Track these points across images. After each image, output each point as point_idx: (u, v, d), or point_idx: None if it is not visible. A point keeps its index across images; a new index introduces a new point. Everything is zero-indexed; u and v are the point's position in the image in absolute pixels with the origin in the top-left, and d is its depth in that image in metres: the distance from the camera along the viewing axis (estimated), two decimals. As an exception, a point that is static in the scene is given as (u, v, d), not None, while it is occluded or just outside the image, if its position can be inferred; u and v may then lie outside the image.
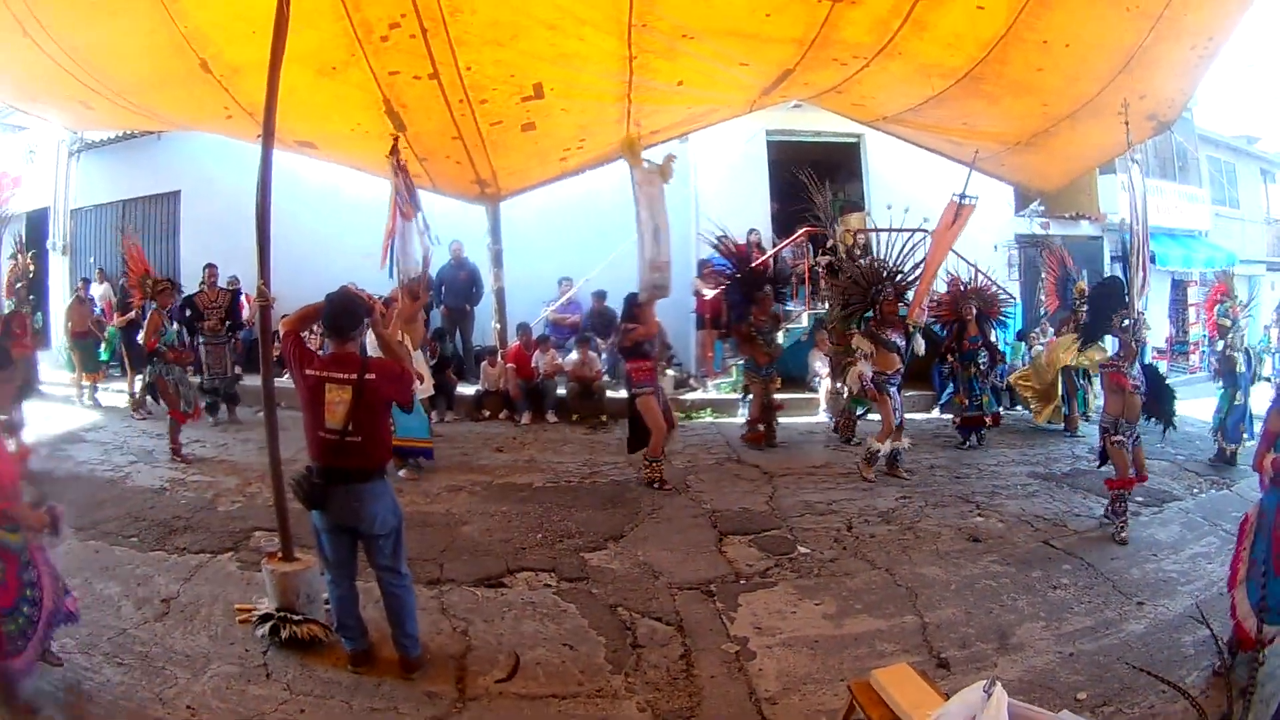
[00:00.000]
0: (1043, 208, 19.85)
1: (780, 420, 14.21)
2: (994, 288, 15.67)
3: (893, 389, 11.96)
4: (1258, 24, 48.15)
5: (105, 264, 18.97)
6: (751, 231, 17.35)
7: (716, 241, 14.17)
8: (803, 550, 8.78)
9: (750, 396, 13.96)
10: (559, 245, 17.61)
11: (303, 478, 5.62)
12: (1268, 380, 19.21)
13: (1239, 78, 78.41)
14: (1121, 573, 8.41)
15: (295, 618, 6.10)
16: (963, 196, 12.37)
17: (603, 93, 11.27)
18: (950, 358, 14.34)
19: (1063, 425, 15.39)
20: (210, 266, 14.77)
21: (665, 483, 11.03)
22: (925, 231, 13.77)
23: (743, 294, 13.61)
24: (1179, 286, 25.42)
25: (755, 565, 8.33)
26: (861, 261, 13.94)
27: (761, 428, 13.62)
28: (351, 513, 5.60)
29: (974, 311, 14.09)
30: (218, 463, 11.03)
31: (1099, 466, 10.69)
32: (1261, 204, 34.06)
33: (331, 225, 16.14)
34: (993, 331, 15.16)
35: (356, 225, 15.26)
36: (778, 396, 13.99)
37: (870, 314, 12.54)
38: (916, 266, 12.93)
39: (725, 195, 17.12)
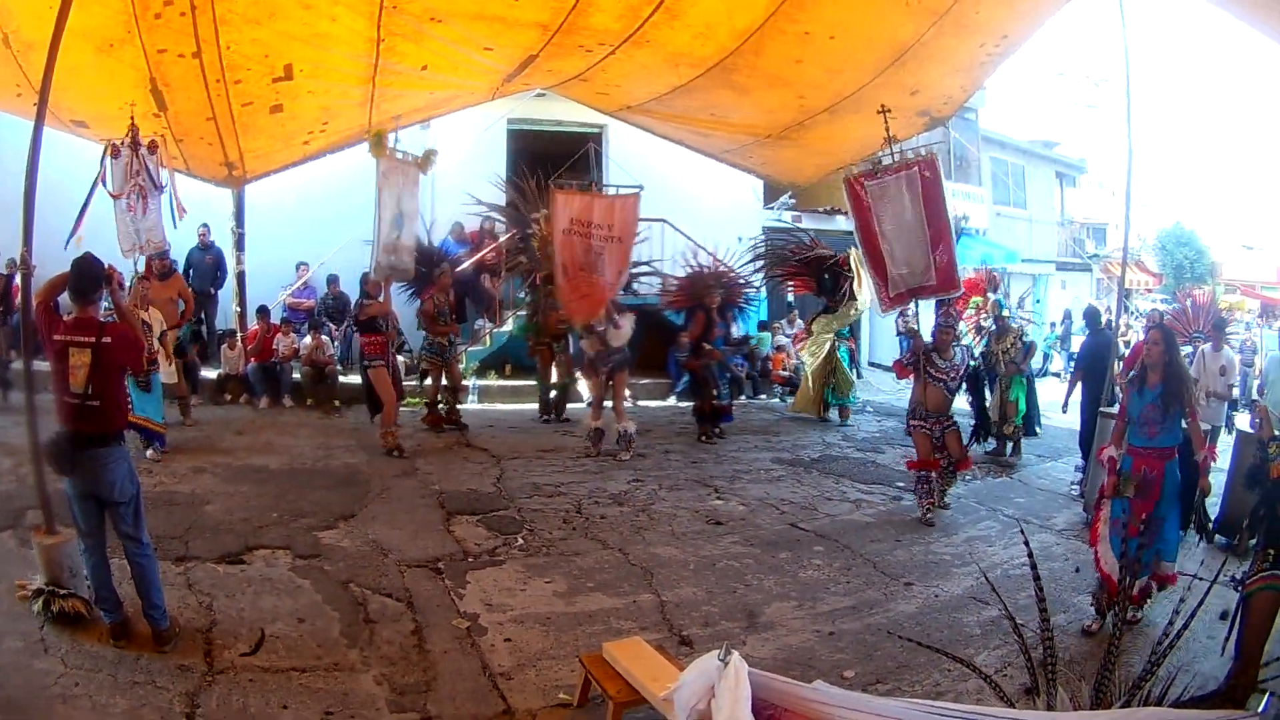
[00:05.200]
0: (794, 200, 20.92)
1: (510, 406, 15.69)
2: (734, 275, 16.64)
3: (605, 368, 13.03)
4: (1067, 33, 50.64)
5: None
6: (486, 219, 18.36)
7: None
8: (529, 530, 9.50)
9: (429, 380, 14.75)
10: (297, 230, 18.07)
11: (52, 443, 6.18)
12: (1056, 375, 21.13)
13: (1048, 84, 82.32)
14: (884, 555, 9.26)
15: (61, 592, 6.55)
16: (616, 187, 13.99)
17: (348, 75, 11.76)
18: (702, 346, 14.94)
19: (815, 414, 16.70)
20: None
21: (402, 450, 12.13)
22: (665, 221, 14.82)
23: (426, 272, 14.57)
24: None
25: (483, 544, 9.04)
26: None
27: (443, 409, 14.62)
28: (94, 478, 6.16)
29: (718, 300, 14.92)
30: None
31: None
32: (1055, 206, 36.74)
33: (104, 204, 16.21)
34: (735, 320, 16.15)
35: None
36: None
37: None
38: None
39: (463, 183, 17.66)
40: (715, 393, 15.06)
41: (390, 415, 12.68)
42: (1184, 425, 7.72)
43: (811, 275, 16.95)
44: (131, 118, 11.04)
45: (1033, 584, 4.80)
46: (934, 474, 10.86)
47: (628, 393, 15.67)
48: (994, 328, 14.80)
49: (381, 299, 13.01)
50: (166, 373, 12.21)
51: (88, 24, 9.15)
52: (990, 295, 15.73)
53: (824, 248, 17.03)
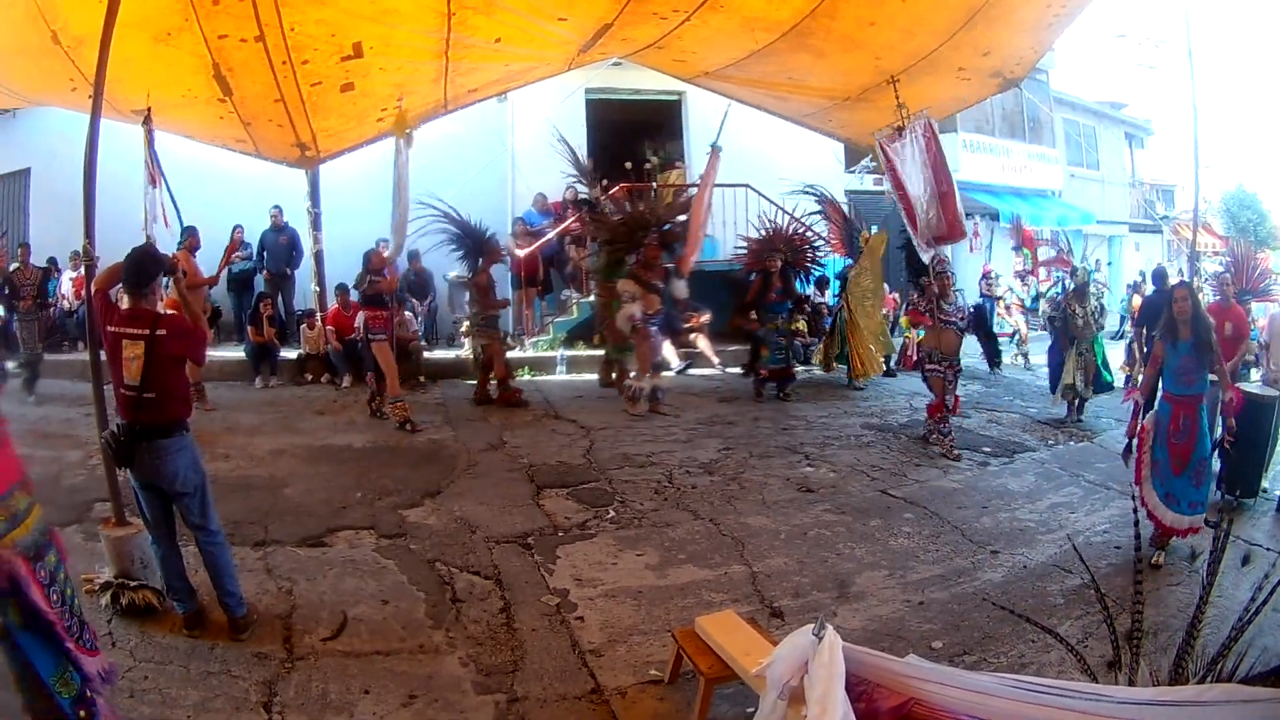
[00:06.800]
0: (874, 164, 20.60)
1: (599, 376, 15.19)
2: (807, 236, 16.44)
3: (653, 328, 12.92)
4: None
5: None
6: (568, 188, 18.04)
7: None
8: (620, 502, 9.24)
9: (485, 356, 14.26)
10: (375, 207, 17.70)
11: (111, 435, 5.91)
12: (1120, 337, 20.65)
13: (1109, 46, 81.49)
14: (970, 521, 8.90)
15: (131, 584, 6.33)
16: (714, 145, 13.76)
17: (420, 50, 11.47)
18: (752, 311, 14.79)
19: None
20: (23, 245, 14.70)
21: (415, 424, 11.92)
22: (748, 186, 14.69)
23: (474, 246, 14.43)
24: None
25: (573, 518, 8.73)
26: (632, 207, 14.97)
27: (494, 388, 14.14)
28: (154, 470, 5.90)
29: (779, 264, 14.68)
30: (63, 438, 10.94)
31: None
32: (1125, 167, 35.99)
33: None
34: (798, 283, 16.10)
35: (187, 193, 15.49)
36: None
37: (634, 258, 13.50)
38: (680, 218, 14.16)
39: (543, 154, 17.48)
40: (765, 355, 14.82)
41: (395, 387, 12.49)
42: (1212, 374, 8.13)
43: (842, 238, 16.80)
44: (148, 109, 11.17)
45: (1134, 557, 4.67)
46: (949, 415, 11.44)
47: (716, 360, 15.65)
48: (1074, 288, 14.32)
49: (388, 275, 13.12)
50: None
51: (143, 14, 8.94)
52: (1052, 251, 15.61)
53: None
